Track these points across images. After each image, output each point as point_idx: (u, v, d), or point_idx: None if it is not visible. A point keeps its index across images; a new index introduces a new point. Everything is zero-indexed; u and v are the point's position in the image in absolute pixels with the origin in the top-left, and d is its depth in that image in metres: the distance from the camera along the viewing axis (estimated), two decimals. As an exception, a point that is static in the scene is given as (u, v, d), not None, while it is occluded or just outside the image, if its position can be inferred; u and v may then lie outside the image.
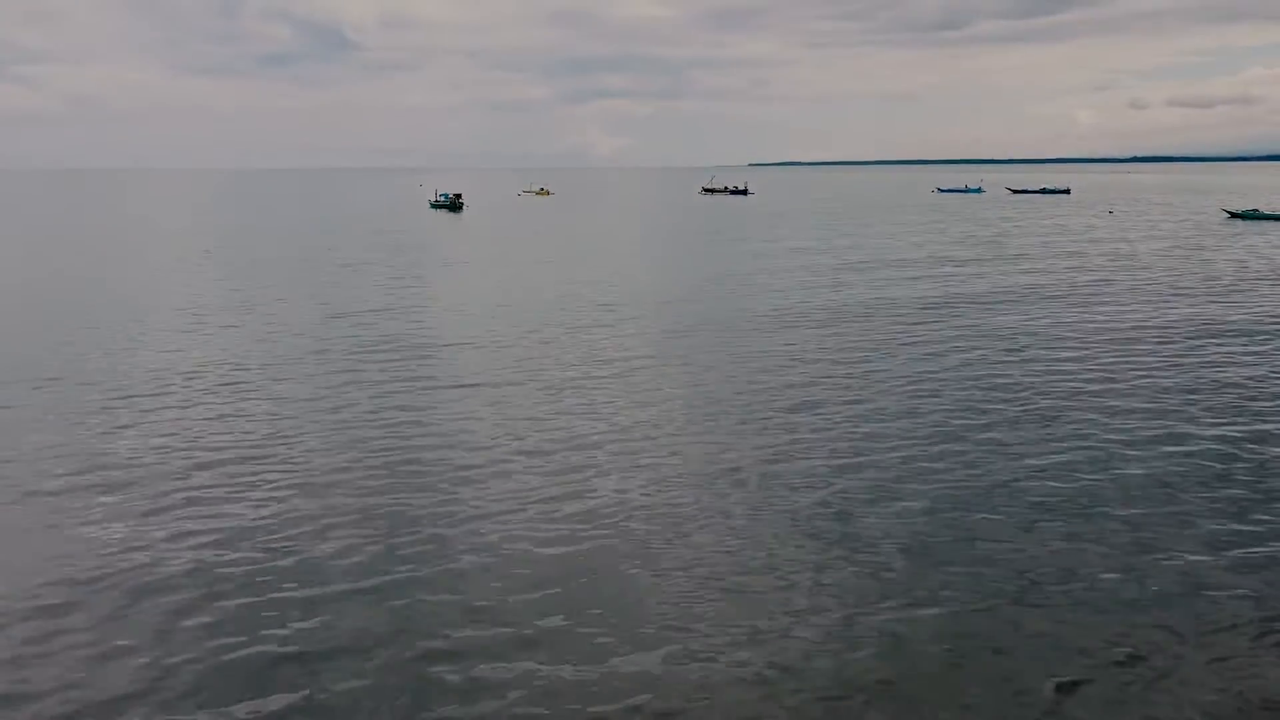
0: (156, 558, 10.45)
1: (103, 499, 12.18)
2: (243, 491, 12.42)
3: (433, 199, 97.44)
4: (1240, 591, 9.55)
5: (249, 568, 10.19)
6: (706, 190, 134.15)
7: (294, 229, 66.68)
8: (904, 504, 11.83)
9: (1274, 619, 9.01)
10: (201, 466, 13.39)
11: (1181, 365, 19.38)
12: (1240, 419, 15.46)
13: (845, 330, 23.80)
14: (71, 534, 11.12)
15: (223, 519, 11.51)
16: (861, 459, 13.53)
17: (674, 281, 34.60)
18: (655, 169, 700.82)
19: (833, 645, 8.59)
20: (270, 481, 12.80)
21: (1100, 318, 25.36)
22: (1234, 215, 65.10)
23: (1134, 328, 23.75)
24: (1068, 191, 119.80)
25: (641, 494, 12.26)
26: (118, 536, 11.01)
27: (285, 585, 9.77)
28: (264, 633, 8.84)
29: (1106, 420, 15.38)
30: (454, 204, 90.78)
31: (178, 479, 12.90)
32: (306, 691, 7.93)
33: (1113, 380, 18.13)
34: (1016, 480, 12.67)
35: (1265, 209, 67.55)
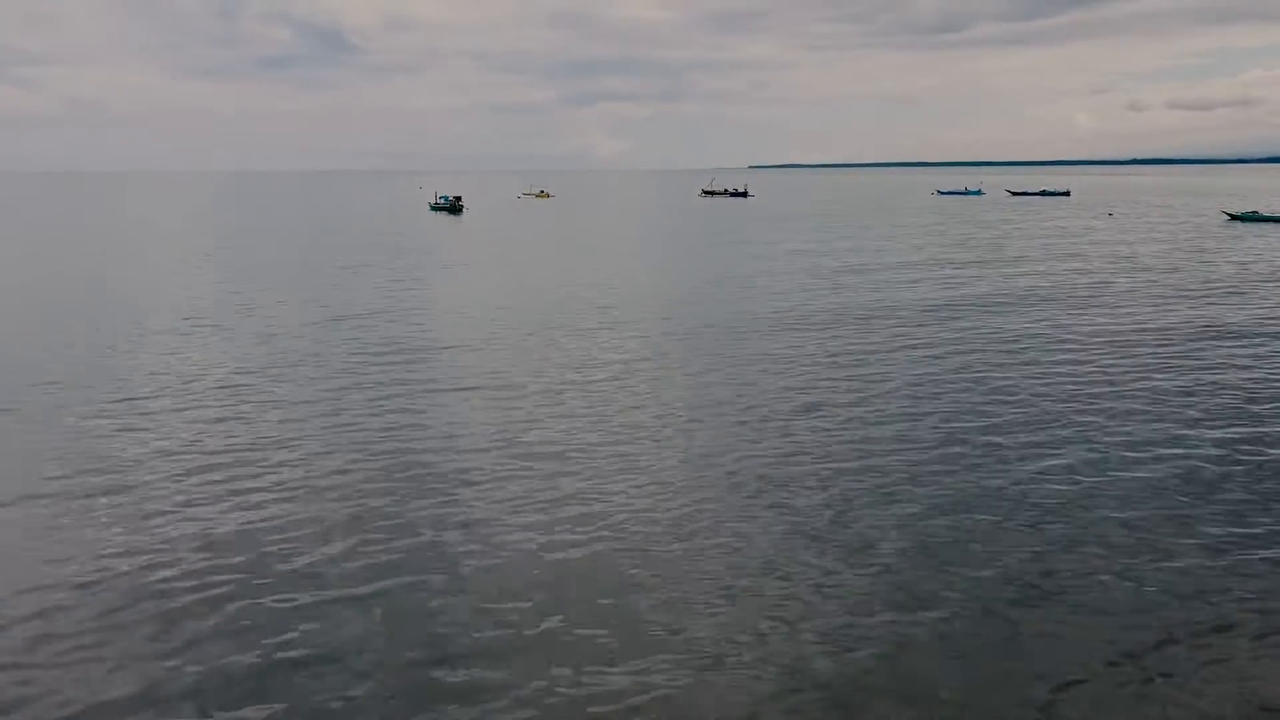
0: (155, 561, 10.43)
1: (101, 502, 12.17)
2: (240, 495, 12.41)
3: (432, 201, 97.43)
4: (1240, 594, 9.54)
5: (246, 572, 10.17)
6: (706, 192, 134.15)
7: (293, 231, 66.69)
8: (904, 507, 11.82)
9: (1274, 621, 9.00)
10: (201, 469, 13.38)
11: (1181, 368, 19.37)
12: (1240, 422, 15.45)
13: (845, 333, 23.80)
14: (69, 537, 11.10)
15: (221, 522, 11.50)
16: (862, 462, 13.52)
17: (673, 284, 34.60)
18: (655, 171, 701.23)
19: (834, 648, 8.58)
20: (269, 485, 12.78)
21: (1100, 320, 25.36)
22: (1234, 217, 65.09)
23: (1134, 330, 23.75)
24: (1067, 194, 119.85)
25: (642, 497, 12.25)
26: (117, 540, 11.00)
27: (284, 590, 9.76)
28: (261, 638, 8.82)
29: (1106, 423, 15.37)
30: (454, 206, 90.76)
31: (176, 482, 12.89)
32: (305, 697, 7.92)
33: (1112, 382, 18.13)
34: (1017, 483, 12.66)
35: (1265, 211, 67.55)
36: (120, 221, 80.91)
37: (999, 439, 14.57)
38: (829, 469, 13.22)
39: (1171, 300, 28.73)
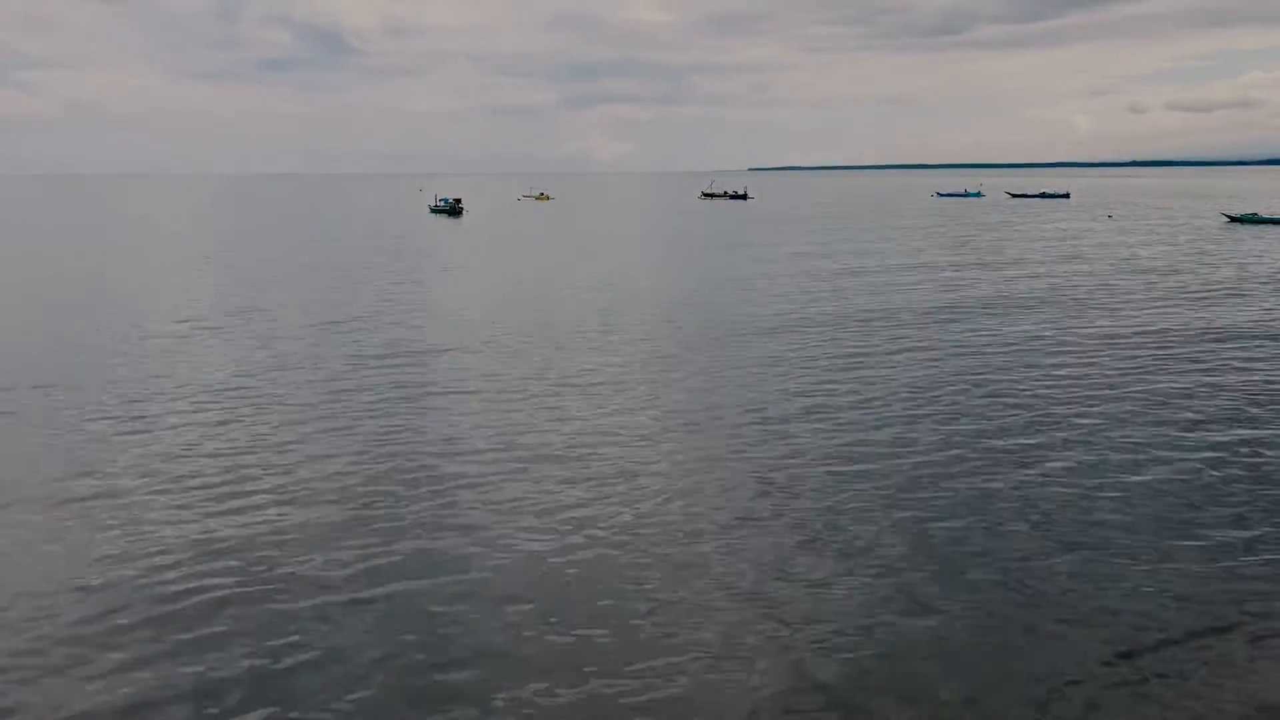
0: (154, 565, 10.43)
1: (100, 505, 12.16)
2: (240, 499, 12.40)
3: (432, 204, 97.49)
4: (1239, 596, 9.53)
5: (245, 576, 10.16)
6: (706, 195, 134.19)
7: (293, 234, 66.71)
8: (905, 510, 11.82)
9: (1273, 623, 9.00)
10: (200, 473, 13.38)
11: (1181, 370, 19.37)
12: (1240, 424, 15.45)
13: (846, 336, 23.80)
14: (67, 541, 11.10)
15: (221, 526, 11.49)
16: (863, 465, 13.52)
17: (673, 286, 34.61)
18: (656, 174, 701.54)
19: (835, 650, 8.57)
20: (268, 489, 12.78)
21: (1100, 322, 25.36)
22: (1233, 219, 65.11)
23: (1133, 333, 23.74)
24: (1067, 196, 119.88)
25: (643, 501, 12.25)
26: (116, 544, 10.99)
27: (284, 594, 9.76)
28: (260, 643, 8.81)
29: (1106, 425, 15.37)
30: (453, 209, 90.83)
31: (176, 486, 12.88)
32: (306, 701, 7.92)
33: (1112, 385, 18.13)
34: (1017, 486, 12.66)
35: (1264, 213, 67.57)
36: (120, 224, 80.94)
37: (999, 442, 14.57)
38: (829, 472, 13.22)
39: (1171, 302, 28.73)
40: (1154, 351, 21.25)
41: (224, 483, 12.95)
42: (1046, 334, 23.67)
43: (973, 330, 24.30)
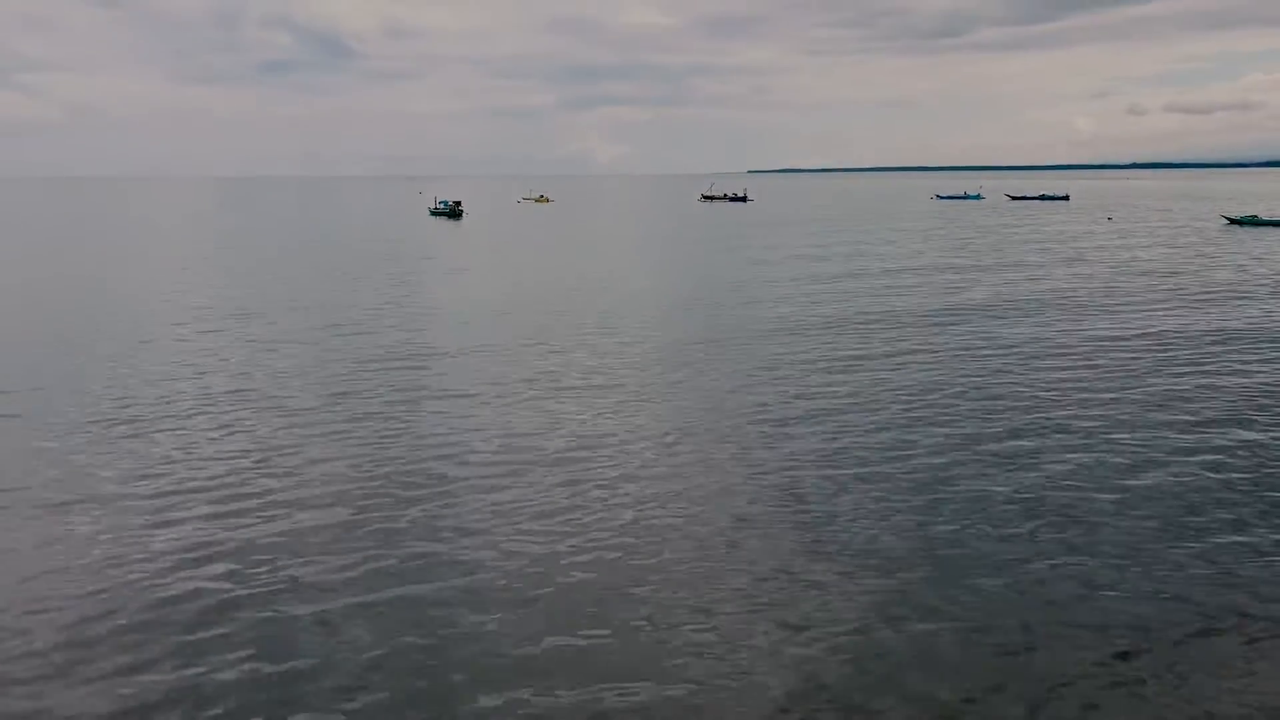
0: (152, 570, 10.42)
1: (99, 510, 12.15)
2: (239, 503, 12.39)
3: (432, 206, 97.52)
4: (1239, 598, 9.53)
5: (243, 581, 10.15)
6: (706, 197, 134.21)
7: (293, 237, 66.71)
8: (906, 514, 11.81)
9: (1272, 627, 8.99)
10: (199, 478, 13.37)
11: (1181, 373, 19.36)
12: (1240, 427, 15.44)
13: (846, 339, 23.79)
14: (65, 546, 11.08)
15: (219, 531, 11.48)
16: (863, 468, 13.51)
17: (673, 289, 34.59)
18: (655, 176, 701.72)
19: (835, 653, 8.57)
20: (267, 493, 12.77)
21: (1100, 325, 25.35)
22: (1233, 221, 65.15)
23: (1134, 335, 23.73)
24: (1066, 198, 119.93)
25: (644, 504, 12.23)
26: (116, 548, 10.98)
27: (284, 599, 9.74)
28: (259, 648, 8.81)
29: (1105, 428, 15.36)
30: (453, 211, 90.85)
31: (174, 490, 12.87)
32: (306, 707, 7.90)
33: (1112, 388, 18.11)
34: (1018, 490, 12.65)
35: (1264, 215, 67.60)
36: (120, 226, 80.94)
37: (998, 445, 14.56)
38: (829, 474, 13.20)
39: (1171, 305, 28.72)
40: (1154, 354, 21.24)
41: (223, 486, 12.93)
42: (1046, 336, 23.66)
43: (972, 333, 24.28)
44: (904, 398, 17.49)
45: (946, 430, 15.32)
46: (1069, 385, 18.36)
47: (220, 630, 9.04)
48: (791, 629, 8.99)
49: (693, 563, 10.44)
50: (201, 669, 8.37)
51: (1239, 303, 28.98)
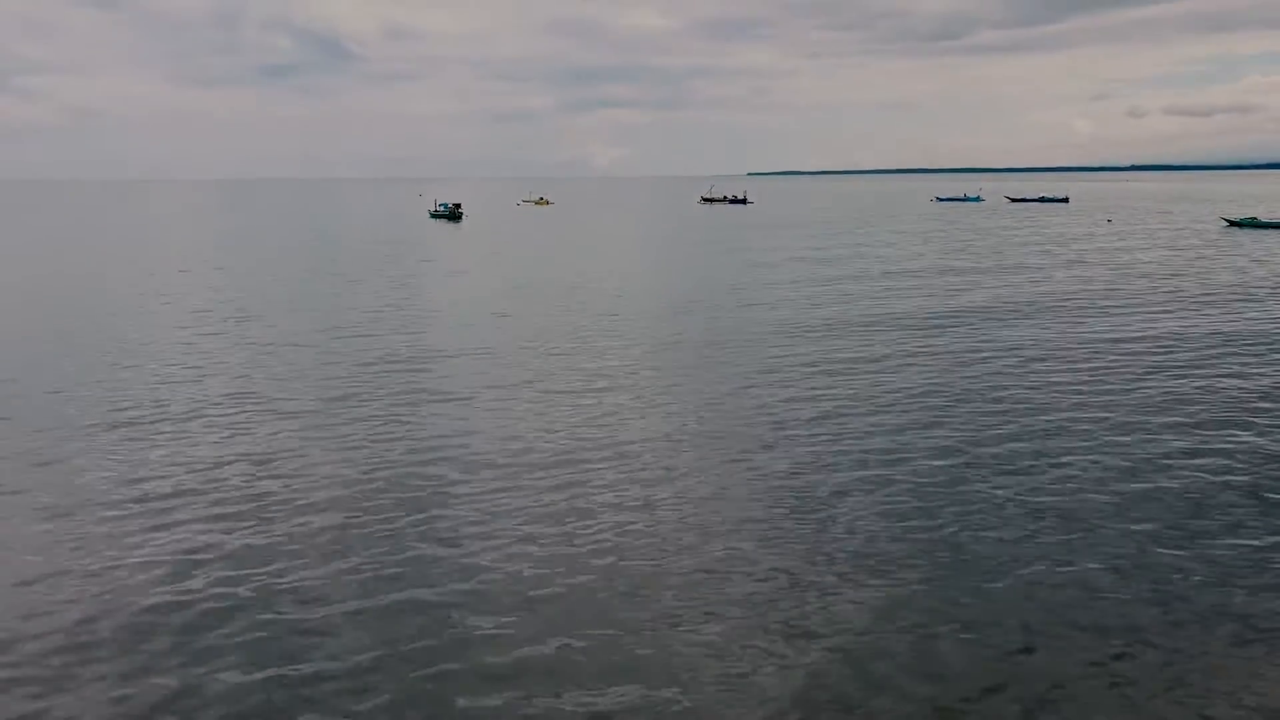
0: (150, 575, 10.40)
1: (97, 515, 12.13)
2: (237, 508, 12.38)
3: (432, 209, 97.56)
4: (1238, 601, 9.52)
5: (240, 586, 10.14)
6: (706, 200, 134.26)
7: (293, 239, 66.71)
8: (905, 517, 11.81)
9: (1272, 629, 8.99)
10: (198, 481, 13.35)
11: (1181, 375, 19.35)
12: (1239, 430, 15.43)
13: (846, 342, 23.78)
14: (63, 551, 11.06)
15: (218, 536, 11.47)
16: (864, 472, 13.50)
17: (673, 292, 34.56)
18: (655, 178, 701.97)
19: (839, 660, 8.55)
20: (266, 498, 12.75)
21: (1099, 328, 25.35)
22: (1232, 224, 65.18)
23: (1134, 338, 23.73)
24: (1066, 200, 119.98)
25: (645, 508, 12.22)
26: (113, 552, 10.97)
27: (283, 604, 9.73)
28: (258, 654, 8.79)
29: (1105, 431, 15.36)
30: (453, 213, 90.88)
31: (174, 495, 12.86)
32: (307, 711, 7.89)
33: (1112, 391, 18.11)
34: (1019, 493, 12.64)
35: (1264, 217, 67.62)
36: (120, 229, 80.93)
37: (999, 448, 14.55)
38: (829, 478, 13.20)
39: (1172, 308, 28.72)
40: (1154, 356, 21.23)
41: (223, 490, 12.92)
42: (1046, 339, 23.65)
43: (972, 335, 24.28)
44: (904, 400, 17.48)
45: (947, 433, 15.32)
46: (1069, 387, 18.35)
47: (219, 634, 9.02)
48: (791, 632, 8.98)
49: (693, 565, 10.43)
50: (200, 673, 8.35)
51: (1239, 305, 28.98)
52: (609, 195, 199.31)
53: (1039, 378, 19.29)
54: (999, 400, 17.46)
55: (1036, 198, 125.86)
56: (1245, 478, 13.10)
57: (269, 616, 9.36)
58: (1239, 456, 14.00)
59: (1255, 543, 10.96)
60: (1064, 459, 13.93)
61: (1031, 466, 13.64)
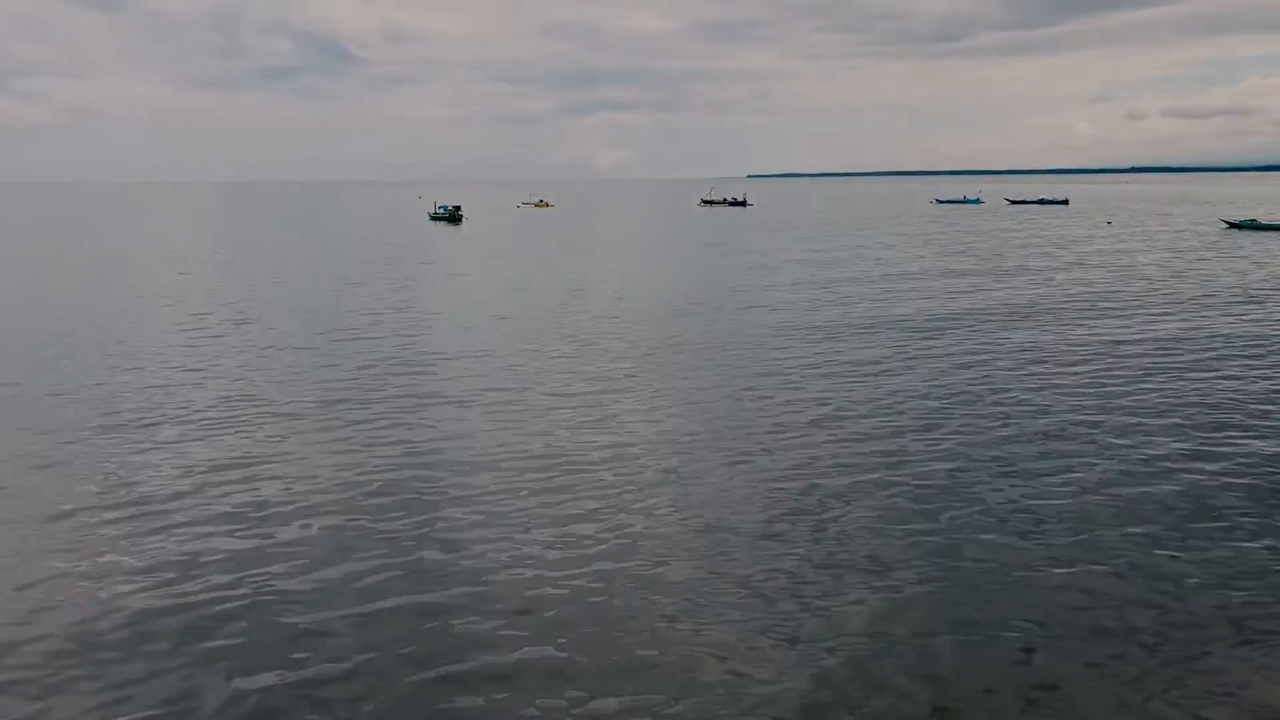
0: (147, 579, 10.38)
1: (92, 519, 12.10)
2: (235, 512, 12.35)
3: (432, 211, 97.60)
4: (1237, 605, 9.50)
5: (238, 590, 10.11)
6: (706, 202, 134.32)
7: (293, 242, 66.70)
8: (907, 522, 11.79)
9: (1271, 632, 8.97)
10: (197, 486, 13.33)
11: (1182, 378, 19.33)
12: (1240, 432, 15.41)
13: (845, 345, 23.76)
14: (60, 556, 11.03)
15: (216, 541, 11.44)
16: (862, 476, 13.48)
17: (674, 295, 34.53)
18: (655, 180, 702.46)
19: (839, 662, 8.52)
20: (265, 502, 12.73)
21: (1100, 330, 25.32)
22: (1232, 225, 65.20)
23: (1134, 340, 23.71)
24: (1066, 202, 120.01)
25: (646, 512, 12.20)
26: (109, 557, 10.94)
27: (280, 609, 9.70)
28: (258, 660, 8.77)
29: (1105, 434, 15.34)
30: (453, 216, 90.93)
31: (172, 499, 12.83)
32: (306, 717, 7.86)
33: (1112, 394, 18.09)
34: (1019, 497, 12.62)
35: (1264, 219, 67.63)
36: (119, 232, 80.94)
37: (999, 451, 14.53)
38: (829, 482, 13.17)
39: (1172, 310, 28.71)
40: (1155, 359, 21.21)
41: (221, 494, 12.90)
42: (1046, 342, 23.63)
43: (971, 338, 24.26)
44: (904, 402, 17.46)
45: (946, 435, 15.29)
46: (1069, 390, 18.33)
47: (218, 638, 9.00)
48: (791, 634, 8.96)
49: (693, 568, 10.40)
50: (199, 677, 8.33)
51: (1240, 307, 28.96)
52: (609, 197, 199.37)
53: (1039, 380, 19.26)
54: (999, 403, 17.43)
55: (1036, 200, 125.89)
56: (1245, 480, 13.07)
57: (268, 620, 9.34)
58: (1239, 459, 13.97)
59: (1255, 545, 10.94)
60: (1064, 461, 13.91)
61: (1031, 469, 13.62)
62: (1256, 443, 14.79)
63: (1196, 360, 21.01)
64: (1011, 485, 12.96)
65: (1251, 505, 12.17)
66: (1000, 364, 20.93)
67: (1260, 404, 17.16)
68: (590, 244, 65.17)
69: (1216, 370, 19.99)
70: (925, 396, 17.95)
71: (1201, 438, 15.04)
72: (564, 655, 8.68)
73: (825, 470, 13.63)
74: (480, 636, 9.02)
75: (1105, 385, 18.72)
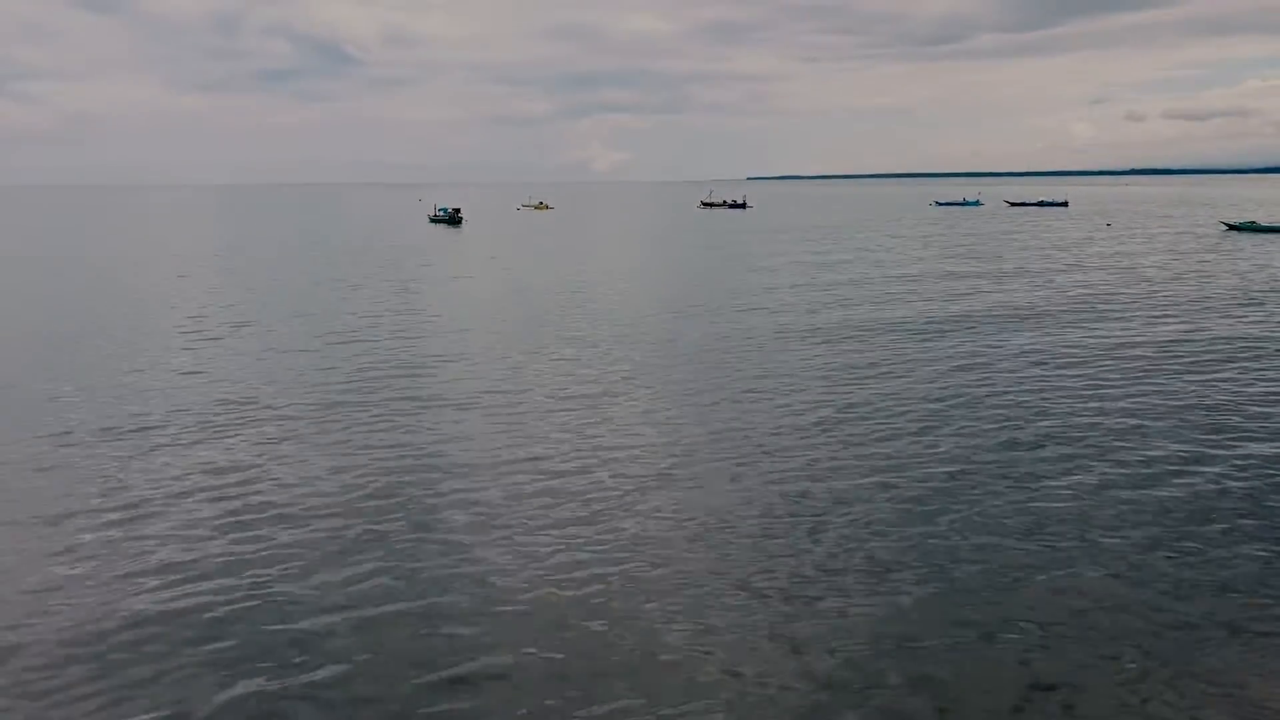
0: (144, 584, 10.36)
1: (90, 523, 12.08)
2: (233, 516, 12.33)
3: (432, 213, 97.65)
4: (1237, 608, 9.49)
5: (236, 595, 10.09)
6: (705, 204, 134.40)
7: (292, 245, 66.69)
8: (907, 525, 11.78)
9: (1267, 632, 8.95)
10: (194, 489, 13.31)
11: (1182, 380, 19.33)
12: (1240, 435, 15.40)
13: (845, 348, 23.75)
14: (57, 559, 11.02)
15: (213, 543, 11.43)
16: (866, 480, 13.47)
17: (674, 298, 34.52)
18: (654, 183, 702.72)
19: (840, 668, 8.51)
20: (263, 506, 12.71)
21: (1100, 332, 25.31)
22: (1232, 227, 65.22)
23: (1134, 343, 23.70)
24: (1065, 204, 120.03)
25: (645, 515, 12.18)
26: (108, 562, 10.92)
27: (279, 614, 9.68)
28: (258, 665, 8.75)
29: (1105, 437, 15.33)
30: (453, 218, 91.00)
31: (170, 502, 12.81)
32: None
33: (1112, 397, 18.08)
34: (1019, 500, 12.61)
35: (1263, 221, 67.65)
36: (119, 234, 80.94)
37: (998, 455, 14.52)
38: (830, 484, 13.16)
39: (1172, 312, 28.70)
40: (1155, 361, 21.20)
41: (219, 498, 12.88)
42: (1047, 344, 23.62)
43: (971, 341, 24.25)
44: (903, 405, 17.44)
45: (945, 438, 15.27)
46: (1068, 392, 18.32)
47: (215, 642, 8.98)
48: (789, 637, 8.94)
49: (692, 571, 10.39)
50: (196, 682, 8.31)
51: (1241, 309, 28.96)
52: (609, 199, 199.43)
53: (1039, 382, 19.25)
54: (998, 405, 17.42)
55: (1036, 202, 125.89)
56: (1244, 482, 13.06)
57: (267, 623, 9.32)
58: (1237, 461, 13.96)
59: (1254, 548, 10.92)
60: (1063, 464, 13.89)
61: (1030, 471, 13.60)
62: (1255, 445, 14.77)
63: (1196, 362, 21.00)
64: (1011, 487, 12.95)
65: (1250, 508, 12.16)
66: (1000, 366, 20.91)
67: (1260, 406, 17.15)
68: (590, 246, 65.18)
69: (1216, 372, 19.97)
70: (925, 399, 17.94)
71: (1201, 440, 15.03)
72: (564, 657, 8.66)
73: (824, 472, 13.61)
74: (480, 638, 9.00)
75: (1105, 387, 18.71)
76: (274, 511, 12.28)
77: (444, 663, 8.61)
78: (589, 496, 12.74)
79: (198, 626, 9.28)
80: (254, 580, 10.27)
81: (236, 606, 9.68)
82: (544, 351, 23.18)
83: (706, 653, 8.72)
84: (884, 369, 20.78)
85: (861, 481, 13.21)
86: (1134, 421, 16.14)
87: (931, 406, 17.35)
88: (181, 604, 9.74)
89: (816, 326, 26.71)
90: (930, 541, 11.16)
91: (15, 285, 41.02)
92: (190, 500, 12.71)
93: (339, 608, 9.63)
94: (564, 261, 51.14)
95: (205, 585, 10.17)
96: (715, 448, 14.93)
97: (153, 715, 7.84)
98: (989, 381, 19.39)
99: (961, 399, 17.90)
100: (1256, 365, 20.71)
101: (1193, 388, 18.58)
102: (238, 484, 13.32)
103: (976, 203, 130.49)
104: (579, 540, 11.27)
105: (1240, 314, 28.03)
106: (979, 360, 21.61)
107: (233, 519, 12.03)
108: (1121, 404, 17.37)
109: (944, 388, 18.85)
